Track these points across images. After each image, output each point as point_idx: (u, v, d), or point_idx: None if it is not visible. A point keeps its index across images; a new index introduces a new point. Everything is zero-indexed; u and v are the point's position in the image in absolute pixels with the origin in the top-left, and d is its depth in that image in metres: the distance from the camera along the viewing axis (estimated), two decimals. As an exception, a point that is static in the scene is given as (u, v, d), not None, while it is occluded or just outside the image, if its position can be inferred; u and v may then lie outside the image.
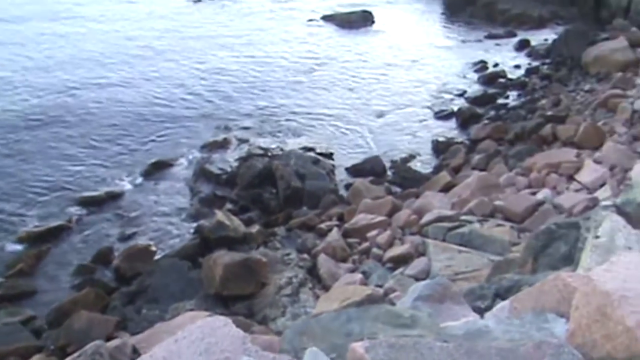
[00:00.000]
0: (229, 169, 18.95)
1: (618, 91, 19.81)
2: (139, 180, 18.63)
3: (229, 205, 17.09)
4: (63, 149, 20.16)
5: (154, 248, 15.13)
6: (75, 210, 17.00)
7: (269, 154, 19.75)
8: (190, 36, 33.33)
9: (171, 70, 27.85)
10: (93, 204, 17.28)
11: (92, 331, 11.38)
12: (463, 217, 12.72)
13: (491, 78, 27.28)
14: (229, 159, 19.71)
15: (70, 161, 19.41)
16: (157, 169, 19.16)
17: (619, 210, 5.70)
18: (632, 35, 26.35)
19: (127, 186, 18.27)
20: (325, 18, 37.83)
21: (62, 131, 21.29)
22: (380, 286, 10.75)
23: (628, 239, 4.60)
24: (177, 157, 19.92)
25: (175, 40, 32.48)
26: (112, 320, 11.98)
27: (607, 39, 27.11)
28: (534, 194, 13.76)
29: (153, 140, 20.96)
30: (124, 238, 15.82)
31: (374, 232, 13.36)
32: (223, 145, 20.68)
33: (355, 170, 19.26)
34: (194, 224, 16.08)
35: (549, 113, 20.33)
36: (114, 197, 17.65)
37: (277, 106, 24.12)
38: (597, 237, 4.77)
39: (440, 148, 20.72)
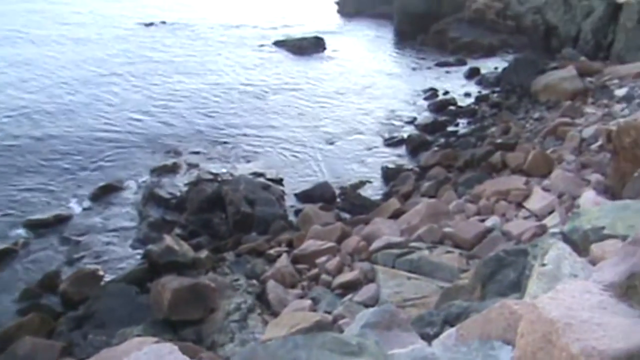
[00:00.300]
0: (178, 194, 18.87)
1: (567, 119, 20.04)
2: (88, 203, 18.46)
3: (177, 230, 16.98)
4: (10, 171, 19.92)
5: (101, 272, 14.96)
6: (21, 233, 16.77)
7: (219, 179, 19.69)
8: (141, 60, 33.24)
9: (120, 94, 27.73)
10: (40, 227, 17.07)
11: (37, 357, 11.24)
12: (412, 244, 12.74)
13: (441, 105, 27.49)
14: (179, 183, 19.63)
15: (17, 184, 19.18)
16: (105, 193, 19.02)
17: (565, 237, 5.77)
18: (580, 65, 26.76)
19: (75, 209, 18.10)
20: (277, 43, 38.04)
21: (9, 154, 21.05)
22: (329, 312, 10.74)
23: (574, 267, 4.65)
24: (126, 180, 19.80)
25: (126, 64, 32.37)
26: (58, 345, 11.82)
27: (556, 67, 27.49)
28: (483, 221, 13.84)
29: (102, 164, 20.81)
30: (71, 262, 15.63)
31: (323, 258, 13.34)
32: (173, 169, 20.60)
33: (305, 197, 19.28)
34: (143, 249, 15.94)
35: (499, 141, 20.51)
36: (62, 220, 17.46)
37: (227, 131, 24.10)
38: (543, 264, 4.82)
39: (389, 175, 20.80)
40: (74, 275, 14.58)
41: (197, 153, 22.00)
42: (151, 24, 42.12)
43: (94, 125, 23.91)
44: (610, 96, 21.50)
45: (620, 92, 21.33)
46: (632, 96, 20.26)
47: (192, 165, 20.85)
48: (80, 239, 16.68)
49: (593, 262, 4.80)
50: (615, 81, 23.09)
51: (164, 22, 42.73)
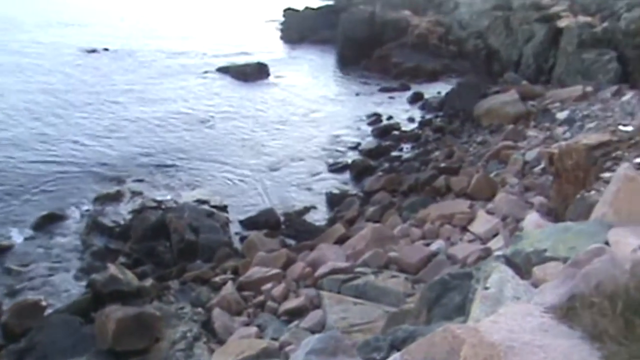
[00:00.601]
0: (122, 222, 18.71)
1: (510, 143, 20.30)
2: (29, 233, 18.19)
3: (122, 259, 16.81)
4: (-50, 202, 19.65)
5: (44, 303, 14.71)
6: (-39, 263, 16.53)
7: (163, 206, 19.59)
8: (83, 87, 32.98)
9: (62, 122, 27.45)
10: (-20, 257, 16.84)
11: (-23, 391, 11.06)
12: (358, 269, 12.76)
13: (385, 130, 27.64)
14: (122, 211, 19.46)
15: (-44, 214, 18.92)
16: (48, 222, 18.76)
17: (508, 260, 5.80)
18: (522, 88, 27.17)
19: (17, 239, 17.82)
20: (221, 70, 37.99)
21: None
22: (276, 339, 10.70)
23: (516, 290, 4.68)
24: (69, 209, 19.56)
25: (68, 91, 32.09)
26: (-1, 379, 11.65)
27: (498, 91, 27.86)
28: (428, 245, 13.92)
29: (44, 193, 20.55)
30: (13, 293, 15.37)
31: (268, 285, 13.29)
32: (116, 197, 20.41)
33: (249, 223, 19.22)
34: (86, 278, 15.68)
35: (442, 165, 20.68)
36: (3, 250, 17.17)
37: (171, 158, 23.97)
38: (486, 288, 4.84)
39: (334, 200, 20.81)
40: (15, 306, 14.32)
41: (140, 181, 21.84)
42: (94, 51, 41.85)
43: (35, 153, 23.64)
44: (552, 119, 21.81)
45: (561, 115, 21.64)
46: (573, 119, 20.56)
47: (135, 193, 20.70)
48: (22, 269, 16.42)
49: (535, 285, 4.84)
50: (557, 104, 23.46)
51: (106, 49, 42.50)
